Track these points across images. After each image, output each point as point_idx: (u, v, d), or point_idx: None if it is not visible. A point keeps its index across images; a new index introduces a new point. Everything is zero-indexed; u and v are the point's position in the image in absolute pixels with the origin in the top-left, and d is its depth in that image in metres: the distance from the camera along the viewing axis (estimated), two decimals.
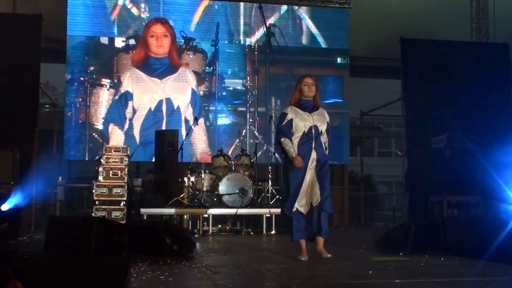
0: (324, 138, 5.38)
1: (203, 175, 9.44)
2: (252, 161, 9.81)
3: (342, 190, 13.02)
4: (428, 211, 8.79)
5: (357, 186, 14.00)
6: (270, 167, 9.84)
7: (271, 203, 9.37)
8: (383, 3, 12.23)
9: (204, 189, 9.41)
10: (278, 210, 9.10)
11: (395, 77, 11.23)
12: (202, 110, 11.87)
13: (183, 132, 11.05)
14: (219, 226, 9.42)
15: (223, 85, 12.09)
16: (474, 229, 5.89)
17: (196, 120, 10.90)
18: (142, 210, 8.77)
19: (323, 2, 12.65)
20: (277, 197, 9.42)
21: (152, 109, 11.61)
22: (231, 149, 11.66)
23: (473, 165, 8.40)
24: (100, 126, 11.51)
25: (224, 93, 12.05)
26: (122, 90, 11.62)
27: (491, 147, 9.26)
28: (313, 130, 5.31)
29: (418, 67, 10.29)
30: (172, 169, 9.76)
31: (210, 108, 11.96)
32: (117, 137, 11.39)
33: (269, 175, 9.68)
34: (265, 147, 11.79)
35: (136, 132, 11.52)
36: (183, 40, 11.97)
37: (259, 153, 11.29)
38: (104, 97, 11.58)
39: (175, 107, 11.70)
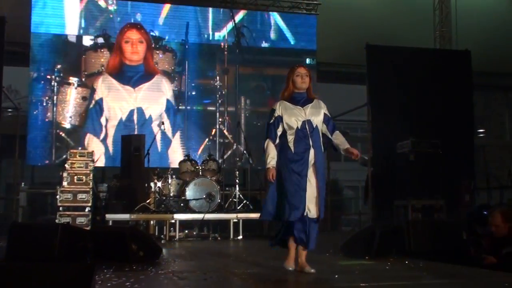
0: (320, 133, 4.79)
1: (170, 180, 9.37)
2: (219, 166, 9.79)
3: None
4: (393, 215, 8.93)
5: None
6: (237, 172, 9.84)
7: (238, 208, 9.36)
8: (349, 10, 12.36)
9: (171, 195, 9.35)
10: (245, 215, 9.13)
11: (361, 83, 11.37)
12: (175, 119, 11.79)
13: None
14: (186, 231, 9.38)
15: (193, 84, 12.06)
16: (438, 233, 6.00)
17: (162, 123, 10.82)
18: (108, 216, 8.67)
19: (290, 8, 12.75)
20: (244, 201, 9.43)
21: (123, 119, 11.50)
22: (201, 148, 11.63)
23: (437, 169, 8.57)
24: (67, 125, 11.32)
25: (193, 93, 12.02)
26: (96, 97, 11.48)
27: (453, 152, 9.47)
28: (307, 126, 4.71)
29: (383, 73, 10.43)
30: (138, 174, 9.67)
31: (180, 107, 11.91)
32: (95, 146, 11.21)
33: (237, 180, 9.67)
34: (234, 146, 11.74)
35: (109, 142, 11.43)
36: (152, 39, 11.89)
37: (229, 152, 11.32)
38: (71, 96, 11.41)
39: (147, 116, 11.59)
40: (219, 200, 9.18)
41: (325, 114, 4.83)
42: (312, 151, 4.68)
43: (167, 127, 11.68)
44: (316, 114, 4.79)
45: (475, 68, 11.40)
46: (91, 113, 11.46)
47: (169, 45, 12.03)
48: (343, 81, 15.91)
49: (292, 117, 4.74)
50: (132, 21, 11.96)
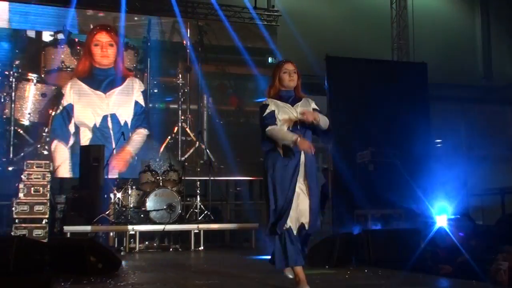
0: (311, 134, 4.39)
1: (130, 191, 9.26)
2: (180, 176, 9.73)
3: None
4: (353, 224, 9.01)
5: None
6: (198, 183, 9.80)
7: (199, 218, 9.32)
8: (309, 23, 12.51)
9: (131, 206, 9.24)
10: (206, 226, 9.09)
11: (321, 94, 11.48)
12: (144, 122, 11.66)
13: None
14: (146, 243, 9.26)
15: (155, 82, 11.95)
16: (396, 242, 6.09)
17: (123, 134, 10.64)
18: (65, 228, 8.50)
19: (251, 19, 12.82)
20: (205, 212, 9.39)
21: (97, 125, 11.28)
22: (163, 146, 11.57)
23: (396, 179, 8.70)
24: (26, 122, 11.00)
25: (156, 90, 11.92)
26: (65, 103, 11.17)
27: (411, 162, 9.64)
28: (298, 126, 4.28)
29: (343, 84, 10.55)
30: (98, 185, 9.53)
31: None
32: (61, 154, 10.99)
33: (197, 191, 9.63)
34: (197, 144, 11.67)
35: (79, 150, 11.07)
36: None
37: (191, 151, 11.24)
38: (30, 92, 11.04)
39: (122, 122, 11.41)
40: (180, 211, 9.11)
41: (314, 109, 4.42)
42: (303, 155, 4.26)
43: (142, 130, 11.52)
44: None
45: (432, 80, 11.66)
46: (57, 119, 11.13)
47: (130, 42, 11.86)
48: (303, 91, 16.08)
49: (285, 115, 4.30)
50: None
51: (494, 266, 4.79)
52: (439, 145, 14.40)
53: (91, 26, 11.69)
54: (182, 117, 11.90)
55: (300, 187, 4.22)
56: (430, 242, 6.22)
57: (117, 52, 11.61)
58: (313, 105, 4.44)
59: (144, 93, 11.76)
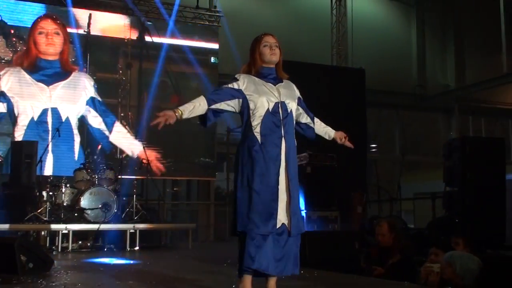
0: (293, 122, 3.78)
1: (63, 189, 9.01)
2: (116, 175, 9.55)
3: (208, 206, 13.09)
4: None
5: (223, 202, 14.16)
6: (135, 182, 9.67)
7: (135, 218, 9.17)
8: (251, 25, 12.52)
9: (65, 204, 8.99)
10: (142, 225, 8.96)
11: None
12: (105, 116, 11.39)
13: (76, 147, 10.60)
14: (80, 242, 9.03)
15: (94, 77, 11.67)
16: (332, 243, 6.21)
17: (57, 131, 10.29)
18: None
19: (193, 19, 12.76)
20: (141, 212, 9.25)
21: (35, 118, 10.85)
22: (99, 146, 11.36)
23: (332, 181, 8.86)
24: None
25: (95, 86, 11.63)
26: None
27: (347, 165, 9.84)
28: (280, 109, 3.65)
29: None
30: (30, 183, 9.22)
31: None
32: None
33: (134, 190, 9.49)
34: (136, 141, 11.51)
35: None
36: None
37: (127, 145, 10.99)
38: None
39: (63, 118, 11.02)
40: (115, 210, 8.94)
41: (299, 97, 3.89)
42: (284, 144, 3.63)
43: (99, 126, 11.23)
44: (291, 97, 3.77)
45: (369, 86, 11.98)
46: None
47: (70, 36, 11.50)
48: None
49: (263, 95, 3.63)
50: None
51: (424, 268, 4.97)
52: (374, 149, 14.81)
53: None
54: (122, 114, 11.70)
55: (280, 180, 3.58)
56: (364, 243, 6.38)
57: (64, 41, 11.22)
58: (297, 92, 3.89)
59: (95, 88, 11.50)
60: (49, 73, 11.05)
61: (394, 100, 15.68)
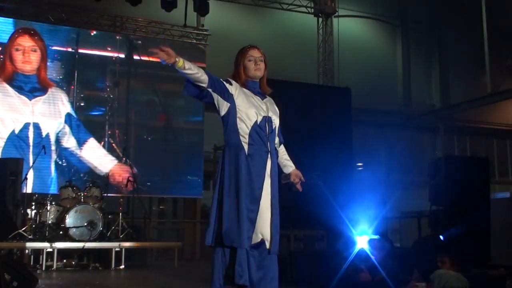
0: (275, 139, 3.76)
1: (48, 207, 8.93)
2: (102, 193, 9.50)
3: (194, 224, 13.03)
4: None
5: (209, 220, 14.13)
6: (121, 200, 9.61)
7: (121, 236, 9.11)
8: (238, 43, 12.57)
9: (49, 222, 8.91)
10: (128, 244, 8.90)
11: None
12: (79, 132, 11.33)
13: (52, 165, 10.60)
14: (64, 261, 8.93)
15: (82, 95, 11.65)
16: (319, 263, 6.20)
17: (44, 148, 10.22)
18: None
19: (180, 37, 12.82)
20: (127, 230, 9.19)
21: (16, 132, 10.74)
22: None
23: (318, 200, 8.88)
24: None
25: (82, 104, 11.61)
26: None
27: (334, 184, 9.88)
28: (266, 124, 3.64)
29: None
30: (14, 200, 9.13)
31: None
32: None
33: (120, 208, 9.44)
34: (123, 160, 11.44)
35: None
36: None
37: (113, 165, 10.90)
38: None
39: (44, 134, 10.93)
40: (101, 228, 8.87)
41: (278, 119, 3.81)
42: (269, 160, 3.62)
43: (73, 144, 11.15)
44: (275, 114, 3.76)
45: (355, 105, 12.07)
46: None
47: (57, 53, 11.50)
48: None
49: (253, 107, 3.61)
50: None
51: (410, 287, 4.99)
52: (360, 168, 14.87)
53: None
54: (109, 132, 11.68)
55: (263, 196, 3.54)
56: (350, 263, 6.39)
57: (41, 58, 11.15)
58: (276, 108, 3.86)
59: (72, 104, 11.46)
60: (28, 87, 10.99)
61: (380, 119, 15.81)
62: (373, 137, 16.25)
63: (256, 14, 14.45)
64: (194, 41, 12.93)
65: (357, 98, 12.35)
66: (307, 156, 10.17)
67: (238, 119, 3.58)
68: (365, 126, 15.38)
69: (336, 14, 14.45)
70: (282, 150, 3.92)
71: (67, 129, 11.24)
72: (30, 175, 9.80)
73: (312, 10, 14.34)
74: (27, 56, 10.98)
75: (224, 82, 3.62)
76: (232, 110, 3.60)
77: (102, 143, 11.58)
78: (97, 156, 11.38)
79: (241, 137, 3.56)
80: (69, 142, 11.22)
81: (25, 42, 11.03)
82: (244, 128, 3.58)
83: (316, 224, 8.56)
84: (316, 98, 11.24)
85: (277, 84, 11.42)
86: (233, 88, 3.63)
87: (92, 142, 11.42)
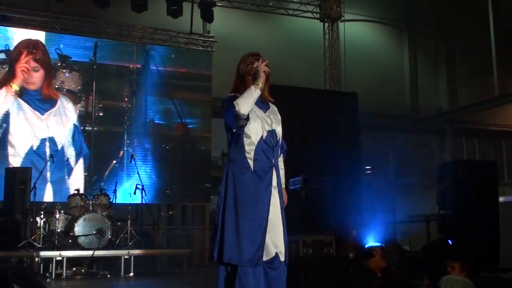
0: (280, 150, 3.70)
1: (57, 216, 8.98)
2: (110, 200, 9.54)
3: (203, 230, 13.03)
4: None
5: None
6: (130, 207, 9.64)
7: (130, 244, 9.14)
8: (244, 49, 12.64)
9: (58, 230, 8.95)
10: (137, 251, 8.92)
11: None
12: (83, 146, 11.39)
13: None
14: (74, 269, 8.96)
15: (100, 105, 11.73)
16: (327, 268, 6.19)
17: (52, 157, 10.27)
18: None
19: (187, 44, 12.86)
20: (136, 237, 9.22)
21: (34, 148, 10.88)
22: (108, 169, 11.43)
23: (327, 205, 8.87)
24: None
25: (101, 114, 11.68)
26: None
27: (342, 188, 9.87)
28: (271, 138, 3.59)
29: (279, 112, 10.70)
30: (23, 209, 9.19)
31: (86, 128, 11.54)
32: None
33: (128, 215, 9.46)
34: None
35: None
36: (58, 57, 11.43)
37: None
38: None
39: (59, 147, 11.06)
40: (109, 236, 8.91)
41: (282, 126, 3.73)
42: (274, 173, 3.55)
43: (71, 153, 11.22)
44: (278, 124, 3.69)
45: (362, 109, 12.04)
46: None
47: (76, 64, 11.59)
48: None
49: (258, 121, 3.55)
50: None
51: None
52: (368, 171, 14.83)
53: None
54: (128, 141, 11.76)
55: (276, 205, 3.50)
56: (359, 267, 6.37)
57: (45, 75, 11.26)
58: (279, 115, 3.77)
59: (82, 113, 11.54)
60: (37, 101, 11.10)
61: (388, 123, 15.75)
62: (381, 141, 16.21)
63: (262, 20, 14.47)
64: (201, 48, 12.96)
65: (364, 102, 12.32)
66: (315, 161, 10.18)
67: (244, 135, 3.52)
68: (373, 130, 15.34)
69: (342, 18, 14.46)
70: (281, 162, 3.78)
71: (70, 138, 11.33)
72: (49, 187, 9.93)
73: (318, 15, 14.36)
74: (30, 77, 11.12)
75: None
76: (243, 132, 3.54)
77: (122, 152, 11.67)
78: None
79: (246, 154, 3.50)
80: (69, 151, 11.29)
81: (27, 63, 11.14)
82: (249, 144, 3.51)
83: (325, 229, 8.52)
84: (323, 104, 11.23)
85: (284, 90, 11.52)
86: None
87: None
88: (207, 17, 12.52)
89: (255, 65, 3.62)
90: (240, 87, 3.60)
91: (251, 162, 3.49)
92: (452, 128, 16.63)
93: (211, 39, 13.02)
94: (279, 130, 3.66)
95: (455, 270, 5.22)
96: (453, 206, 7.96)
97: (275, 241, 3.43)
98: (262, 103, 3.65)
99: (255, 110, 3.57)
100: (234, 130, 3.52)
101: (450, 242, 7.37)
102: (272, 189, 3.52)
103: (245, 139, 3.52)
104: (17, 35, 11.30)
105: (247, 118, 3.48)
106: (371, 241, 7.53)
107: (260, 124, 3.55)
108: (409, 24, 16.93)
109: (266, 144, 3.54)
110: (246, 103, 3.42)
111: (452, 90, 16.76)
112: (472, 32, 15.98)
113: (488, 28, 14.46)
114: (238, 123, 3.47)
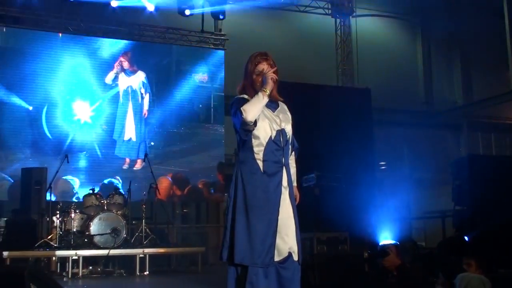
0: (290, 149, 3.66)
1: (73, 215, 9.04)
2: (126, 199, 9.58)
3: (218, 228, 13.05)
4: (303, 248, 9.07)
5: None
6: (144, 206, 9.67)
7: (144, 242, 9.18)
8: (257, 47, 12.61)
9: (74, 230, 9.01)
10: (152, 250, 8.97)
11: None
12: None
13: None
14: (90, 268, 9.04)
15: None
16: (342, 266, 6.18)
17: (66, 157, 10.25)
18: (5, 254, 8.19)
19: (198, 42, 12.87)
20: (151, 236, 9.26)
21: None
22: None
23: (341, 202, 8.84)
24: None
25: None
26: None
27: (357, 185, 9.82)
28: (281, 138, 3.56)
29: (291, 109, 10.67)
30: (39, 209, 9.28)
31: None
32: None
33: (143, 214, 9.50)
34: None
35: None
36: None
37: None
38: None
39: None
40: (125, 235, 8.96)
41: (292, 124, 3.69)
42: (284, 173, 3.53)
43: None
44: (288, 123, 3.66)
45: (375, 105, 11.97)
46: None
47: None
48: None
49: (266, 121, 3.53)
50: None
51: None
52: (383, 167, 14.76)
53: None
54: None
55: (286, 205, 3.48)
56: (374, 265, 6.34)
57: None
58: (290, 115, 3.74)
59: None
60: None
61: (401, 118, 15.65)
62: (396, 136, 16.11)
63: (273, 17, 14.43)
64: (212, 46, 12.97)
65: (378, 98, 12.24)
66: (329, 158, 10.14)
67: (252, 136, 3.50)
68: (387, 126, 15.25)
69: (354, 14, 14.38)
70: (292, 160, 3.77)
71: None
72: None
73: (330, 11, 14.29)
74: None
75: (244, 103, 3.50)
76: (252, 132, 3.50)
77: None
78: None
79: (255, 155, 3.48)
80: None
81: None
82: (258, 145, 3.49)
83: (339, 226, 8.49)
84: (336, 100, 11.18)
85: (296, 87, 11.49)
86: None
87: None
88: (218, 15, 12.53)
89: (262, 65, 3.61)
90: (248, 87, 3.61)
91: (260, 163, 3.47)
92: (467, 123, 16.48)
93: (222, 37, 13.01)
94: (288, 129, 3.62)
95: (471, 267, 5.17)
96: (469, 202, 7.90)
97: (287, 241, 3.41)
98: (270, 102, 3.59)
99: (264, 110, 3.53)
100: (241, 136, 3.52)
101: (466, 238, 7.31)
102: (283, 189, 3.49)
103: (253, 140, 3.50)
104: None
105: (255, 123, 3.46)
106: (385, 239, 7.47)
107: (269, 124, 3.53)
108: (422, 18, 16.78)
109: (276, 144, 3.51)
110: (253, 110, 3.40)
111: (467, 84, 16.60)
112: (487, 24, 15.79)
113: (503, 21, 14.28)
114: (245, 127, 3.45)
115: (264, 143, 3.49)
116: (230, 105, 3.61)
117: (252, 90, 3.56)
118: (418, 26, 16.83)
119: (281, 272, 3.38)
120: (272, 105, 3.63)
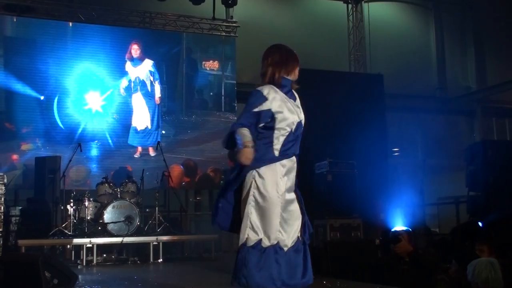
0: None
1: (87, 203, 9.10)
2: (138, 187, 9.62)
3: None
4: (315, 234, 9.07)
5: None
6: (157, 194, 9.71)
7: (158, 230, 9.23)
8: (268, 33, 12.54)
9: (88, 218, 9.08)
10: (165, 238, 9.01)
11: None
12: None
13: None
14: (104, 255, 9.11)
15: None
16: (354, 252, 6.17)
17: (79, 145, 10.30)
18: (20, 242, 8.27)
19: (210, 30, 12.83)
20: (164, 224, 9.30)
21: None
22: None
23: (354, 189, 8.81)
24: None
25: None
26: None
27: (370, 171, 9.78)
28: (298, 129, 3.51)
29: (302, 95, 10.59)
30: (54, 197, 9.35)
31: None
32: None
33: (156, 202, 9.54)
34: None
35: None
36: None
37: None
38: None
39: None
40: (138, 223, 9.01)
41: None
42: (295, 163, 3.54)
43: None
44: (302, 112, 3.62)
45: (388, 90, 11.88)
46: None
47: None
48: None
49: (289, 114, 3.44)
50: None
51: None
52: (396, 153, 14.68)
53: None
54: None
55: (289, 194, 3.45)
56: (387, 251, 6.32)
57: None
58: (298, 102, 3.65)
59: None
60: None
61: (415, 103, 15.53)
62: (409, 122, 16.00)
63: (284, 3, 14.35)
64: (224, 34, 12.93)
65: (391, 83, 12.15)
66: (342, 144, 10.10)
67: (275, 131, 3.42)
68: (400, 111, 15.14)
69: None
70: None
71: None
72: None
73: None
74: None
75: (259, 105, 3.40)
76: (270, 116, 3.41)
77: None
78: None
79: (275, 151, 3.41)
80: None
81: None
82: (279, 140, 3.42)
83: (352, 213, 8.47)
84: (348, 86, 11.09)
85: (308, 74, 11.38)
86: (269, 102, 3.41)
87: None
88: (229, 2, 12.45)
89: (294, 74, 3.61)
90: (269, 75, 3.53)
91: (277, 154, 3.39)
92: (481, 108, 16.31)
93: (234, 25, 12.97)
94: (303, 120, 3.57)
95: (484, 253, 5.14)
96: (483, 188, 7.84)
97: (294, 227, 3.40)
98: (290, 93, 3.56)
99: (286, 102, 3.46)
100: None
101: (480, 224, 7.26)
102: (292, 177, 3.48)
103: (276, 134, 3.41)
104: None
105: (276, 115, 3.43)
106: (398, 225, 7.44)
107: (291, 117, 3.45)
108: (435, 2, 16.59)
109: (294, 136, 3.47)
110: (227, 144, 3.43)
111: (481, 69, 16.41)
112: (500, 8, 15.57)
113: None
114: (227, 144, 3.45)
115: (285, 137, 3.43)
116: (251, 94, 3.50)
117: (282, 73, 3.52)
118: (431, 10, 16.63)
119: (291, 255, 3.39)
120: (292, 96, 3.58)
